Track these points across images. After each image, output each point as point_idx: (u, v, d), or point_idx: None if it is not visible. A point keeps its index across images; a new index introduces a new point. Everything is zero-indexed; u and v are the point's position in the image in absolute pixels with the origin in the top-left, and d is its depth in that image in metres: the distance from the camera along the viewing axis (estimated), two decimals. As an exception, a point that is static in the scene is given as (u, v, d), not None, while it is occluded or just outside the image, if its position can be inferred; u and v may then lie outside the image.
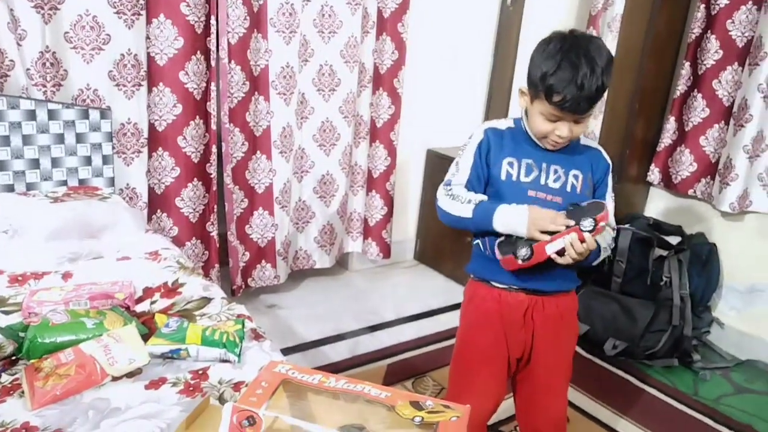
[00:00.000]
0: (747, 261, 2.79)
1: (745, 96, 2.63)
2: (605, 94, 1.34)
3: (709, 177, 2.86)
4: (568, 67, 1.27)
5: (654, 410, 2.36)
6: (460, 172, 1.47)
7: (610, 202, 1.49)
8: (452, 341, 2.66)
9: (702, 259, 2.78)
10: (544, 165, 1.43)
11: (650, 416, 2.31)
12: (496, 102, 3.41)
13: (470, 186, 1.46)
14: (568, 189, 1.43)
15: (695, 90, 2.83)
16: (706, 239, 2.86)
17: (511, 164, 1.43)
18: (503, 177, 1.43)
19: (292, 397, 0.93)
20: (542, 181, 1.42)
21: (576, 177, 1.43)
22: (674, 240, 2.81)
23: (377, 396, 0.90)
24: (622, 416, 2.29)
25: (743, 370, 2.71)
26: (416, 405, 0.88)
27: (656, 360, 2.67)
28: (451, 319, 2.89)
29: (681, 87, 2.88)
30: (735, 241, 2.83)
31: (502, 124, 1.49)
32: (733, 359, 2.79)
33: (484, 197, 1.43)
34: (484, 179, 1.46)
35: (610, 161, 1.50)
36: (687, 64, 2.84)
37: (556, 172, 1.43)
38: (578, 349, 2.71)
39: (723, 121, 2.78)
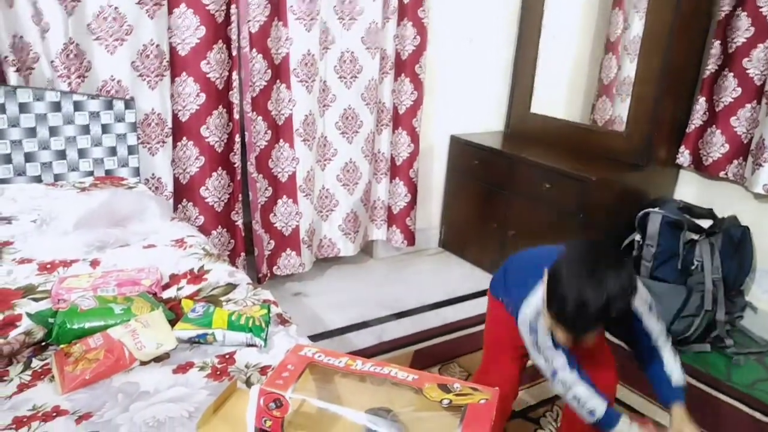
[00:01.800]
0: (781, 244, 2.72)
1: (779, 74, 2.56)
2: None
3: (741, 158, 2.78)
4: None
5: (688, 396, 2.32)
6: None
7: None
8: (478, 328, 2.65)
9: (734, 243, 2.72)
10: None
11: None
12: (520, 87, 3.36)
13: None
14: None
15: (726, 69, 2.75)
16: (739, 222, 2.79)
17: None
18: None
19: (318, 380, 0.92)
20: None
21: None
22: (705, 223, 2.75)
23: (404, 379, 0.89)
24: (654, 402, 2.25)
25: (778, 356, 2.65)
26: (444, 388, 0.87)
27: (688, 345, 2.62)
28: (476, 306, 2.87)
29: (711, 66, 2.80)
30: (769, 224, 2.76)
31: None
32: (766, 344, 2.72)
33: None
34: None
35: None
36: (717, 43, 2.76)
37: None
38: (608, 335, 2.67)
39: (755, 101, 2.71)
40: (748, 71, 2.69)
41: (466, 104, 3.34)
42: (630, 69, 3.00)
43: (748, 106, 2.72)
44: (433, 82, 3.13)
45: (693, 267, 2.64)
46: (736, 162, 2.80)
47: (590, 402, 1.41)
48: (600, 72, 3.30)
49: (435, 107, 3.21)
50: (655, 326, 1.47)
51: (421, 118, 3.08)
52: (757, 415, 2.22)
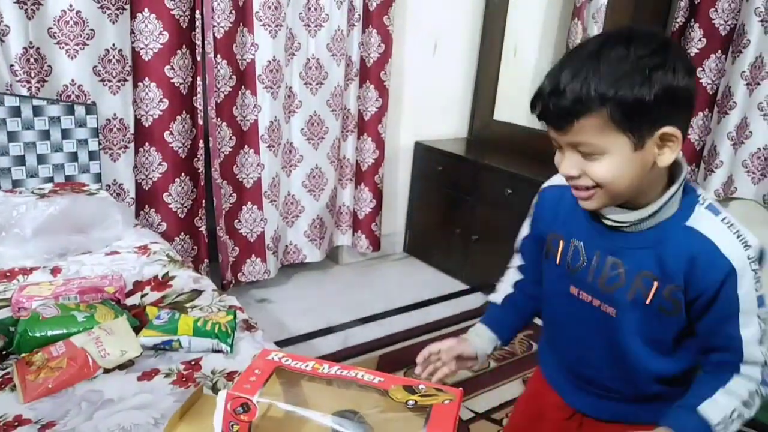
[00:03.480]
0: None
1: (729, 83, 2.66)
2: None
3: (694, 164, 2.88)
4: (556, 67, 0.88)
5: None
6: None
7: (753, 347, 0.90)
8: (443, 331, 2.69)
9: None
10: (597, 253, 0.96)
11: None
12: (483, 94, 3.41)
13: (524, 251, 1.17)
14: (629, 297, 0.93)
15: (680, 79, 2.85)
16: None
17: (555, 241, 1.03)
18: (546, 255, 1.06)
19: (285, 384, 0.93)
20: (589, 278, 0.98)
21: (647, 282, 0.91)
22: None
23: (370, 381, 0.90)
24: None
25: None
26: (409, 389, 0.89)
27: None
28: (441, 311, 2.91)
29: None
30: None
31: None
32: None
33: None
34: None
35: (737, 263, 0.87)
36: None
37: (614, 267, 0.94)
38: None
39: (707, 109, 2.81)
40: (701, 80, 2.78)
41: (431, 111, 3.38)
42: (589, 78, 3.07)
43: (701, 114, 2.83)
44: (398, 88, 3.16)
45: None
46: (689, 168, 2.90)
47: None
48: (560, 80, 3.38)
49: (400, 114, 3.24)
50: (749, 327, 0.89)
51: (386, 124, 3.11)
52: None
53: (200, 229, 2.64)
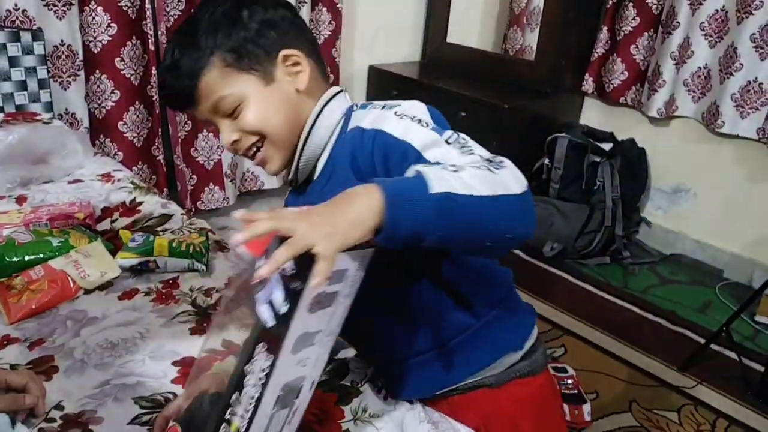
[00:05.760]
0: (673, 164, 2.98)
1: (673, 4, 2.74)
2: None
3: (638, 84, 2.99)
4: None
5: (589, 302, 2.57)
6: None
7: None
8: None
9: (632, 164, 2.96)
10: None
11: (585, 308, 2.51)
12: (436, 16, 3.41)
13: None
14: None
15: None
16: (636, 144, 3.03)
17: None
18: None
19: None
20: None
21: None
22: (607, 146, 2.97)
23: None
24: (560, 310, 2.48)
25: (668, 264, 2.95)
26: None
27: (590, 259, 2.87)
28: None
29: (613, -4, 2.96)
30: (662, 145, 3.01)
31: None
32: (658, 254, 3.03)
33: None
34: None
35: (373, 123, 0.83)
36: (619, -26, 2.91)
37: None
38: (518, 252, 2.88)
39: (652, 30, 2.89)
40: (646, 1, 2.85)
41: (384, 34, 3.36)
42: (539, -1, 3.11)
43: (646, 34, 2.91)
44: (351, 11, 3.13)
45: (595, 187, 2.86)
46: (634, 88, 3.01)
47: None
48: (511, 1, 3.40)
49: (353, 37, 3.22)
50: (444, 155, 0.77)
51: (339, 48, 3.09)
52: (650, 316, 2.50)
53: (158, 158, 2.63)
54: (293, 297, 0.59)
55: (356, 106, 0.93)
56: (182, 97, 0.89)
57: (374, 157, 0.81)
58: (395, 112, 0.83)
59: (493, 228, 0.70)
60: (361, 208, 0.63)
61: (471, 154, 0.76)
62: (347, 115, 0.91)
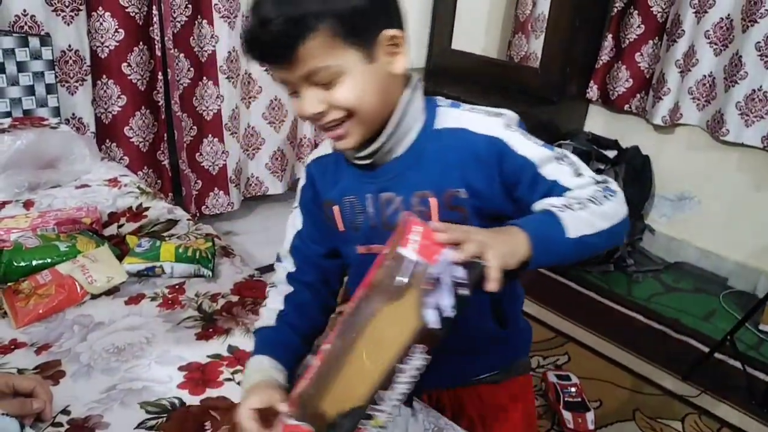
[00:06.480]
0: (677, 171, 2.98)
1: (678, 11, 2.74)
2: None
3: (643, 92, 2.99)
4: None
5: (593, 310, 2.57)
6: None
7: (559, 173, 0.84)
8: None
9: (636, 171, 2.95)
10: (369, 198, 0.89)
11: (589, 316, 2.51)
12: (441, 22, 3.41)
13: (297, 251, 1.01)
14: None
15: (631, 7, 2.91)
16: (640, 152, 3.03)
17: (330, 210, 0.94)
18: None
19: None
20: (372, 225, 0.90)
21: (424, 201, 0.85)
22: (611, 153, 2.97)
23: None
24: (564, 317, 2.48)
25: (672, 272, 2.95)
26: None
27: (594, 267, 2.87)
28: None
29: (618, 4, 2.96)
30: (666, 153, 3.01)
31: (327, 147, 0.96)
32: (663, 262, 3.02)
33: None
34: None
35: (496, 132, 0.85)
36: (624, -18, 2.92)
37: (389, 203, 0.88)
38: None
39: (657, 37, 2.90)
40: (651, 8, 2.86)
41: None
42: (544, 5, 3.12)
43: (651, 42, 2.92)
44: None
45: (600, 194, 2.85)
46: (638, 96, 3.01)
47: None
48: (516, 9, 3.41)
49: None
50: (535, 152, 0.85)
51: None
52: (654, 324, 2.50)
53: (163, 163, 2.64)
54: (460, 303, 0.67)
55: (441, 101, 0.93)
56: (270, 52, 0.80)
57: (489, 164, 0.85)
58: (506, 124, 0.87)
59: (603, 249, 0.85)
60: (519, 244, 0.73)
61: (580, 175, 0.84)
62: (431, 107, 0.91)
